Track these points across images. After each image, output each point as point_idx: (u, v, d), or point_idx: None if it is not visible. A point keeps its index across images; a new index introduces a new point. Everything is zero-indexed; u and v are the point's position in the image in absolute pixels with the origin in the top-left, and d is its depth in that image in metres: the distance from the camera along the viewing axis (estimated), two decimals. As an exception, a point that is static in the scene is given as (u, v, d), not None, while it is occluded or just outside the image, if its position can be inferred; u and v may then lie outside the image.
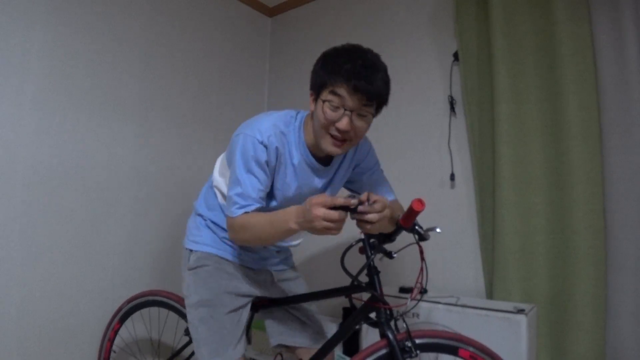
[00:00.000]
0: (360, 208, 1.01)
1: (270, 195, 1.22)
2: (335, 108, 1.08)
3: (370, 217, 1.02)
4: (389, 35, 2.11)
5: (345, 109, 1.07)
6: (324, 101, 1.09)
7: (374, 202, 1.02)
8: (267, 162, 1.15)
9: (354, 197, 1.03)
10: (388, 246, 1.21)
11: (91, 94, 1.78)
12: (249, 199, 1.13)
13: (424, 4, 2.01)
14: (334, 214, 0.97)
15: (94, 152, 1.78)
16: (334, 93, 1.07)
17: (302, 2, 2.50)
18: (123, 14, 1.90)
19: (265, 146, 1.13)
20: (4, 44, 1.54)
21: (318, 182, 1.25)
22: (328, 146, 1.13)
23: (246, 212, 1.13)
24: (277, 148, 1.16)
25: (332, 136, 1.11)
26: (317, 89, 1.12)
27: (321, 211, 0.96)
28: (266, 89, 2.63)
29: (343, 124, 1.08)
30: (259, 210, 1.15)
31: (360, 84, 1.04)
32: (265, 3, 2.61)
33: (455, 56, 1.85)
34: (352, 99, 1.06)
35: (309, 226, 1.00)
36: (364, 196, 1.03)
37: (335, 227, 0.98)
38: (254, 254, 1.33)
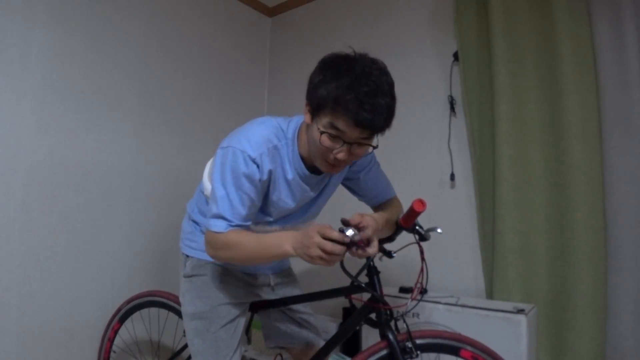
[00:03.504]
0: (356, 239, 0.96)
1: (264, 211, 1.18)
2: (334, 138, 0.99)
3: (371, 251, 0.98)
4: (389, 35, 2.11)
5: (345, 142, 0.99)
6: (322, 133, 0.99)
7: (363, 227, 0.97)
8: (259, 180, 1.08)
9: (343, 229, 0.97)
10: (388, 245, 1.21)
11: (91, 94, 1.78)
12: (239, 217, 1.07)
13: (424, 4, 2.01)
14: (328, 245, 0.92)
15: (93, 152, 1.78)
16: (332, 125, 0.98)
17: (302, 2, 2.50)
18: (122, 14, 1.90)
19: (258, 165, 1.07)
20: (4, 44, 1.54)
21: (313, 193, 1.21)
22: (323, 168, 1.08)
23: (233, 230, 1.07)
24: (269, 167, 1.09)
25: (328, 161, 1.05)
26: (314, 106, 1.02)
27: (317, 238, 0.92)
28: (266, 89, 2.63)
29: (341, 155, 1.01)
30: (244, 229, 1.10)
31: (363, 118, 0.94)
32: (265, 3, 2.61)
33: (455, 56, 1.85)
34: (353, 132, 0.97)
35: (305, 252, 0.95)
36: (352, 221, 0.98)
37: (328, 259, 0.93)
38: None
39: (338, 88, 0.95)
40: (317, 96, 1.00)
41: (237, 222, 1.07)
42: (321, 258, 0.92)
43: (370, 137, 1.01)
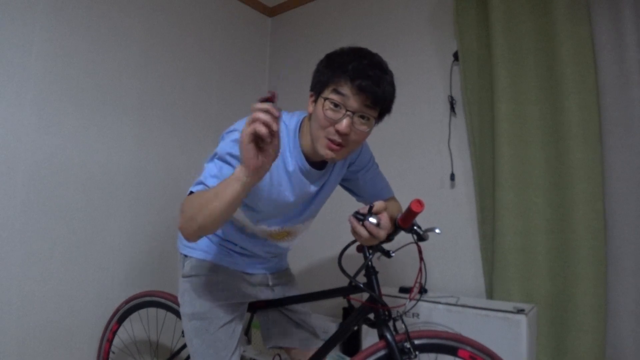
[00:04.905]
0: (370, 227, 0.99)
1: (263, 206, 1.16)
2: (336, 107, 1.01)
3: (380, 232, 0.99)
4: (389, 35, 2.11)
5: (347, 110, 1.00)
6: (325, 99, 1.01)
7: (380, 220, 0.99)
8: None
9: (366, 217, 1.00)
10: (386, 245, 1.21)
11: (91, 94, 1.78)
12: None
13: (424, 4, 2.01)
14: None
15: (93, 151, 1.78)
16: (336, 92, 1.00)
17: (302, 2, 2.51)
18: (123, 14, 1.90)
19: None
20: (4, 44, 1.54)
21: (313, 188, 1.20)
22: (323, 149, 1.05)
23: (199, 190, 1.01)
24: None
25: (330, 139, 1.03)
26: (318, 88, 1.05)
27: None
28: (266, 89, 2.63)
29: (343, 125, 1.00)
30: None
31: (365, 83, 0.98)
32: (265, 3, 2.62)
33: (455, 56, 1.85)
34: (356, 99, 1.00)
35: (244, 158, 0.86)
36: (377, 208, 1.00)
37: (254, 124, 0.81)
38: (249, 259, 1.31)
39: (342, 62, 1.01)
40: (321, 75, 1.05)
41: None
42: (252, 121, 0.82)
43: (372, 109, 1.03)
